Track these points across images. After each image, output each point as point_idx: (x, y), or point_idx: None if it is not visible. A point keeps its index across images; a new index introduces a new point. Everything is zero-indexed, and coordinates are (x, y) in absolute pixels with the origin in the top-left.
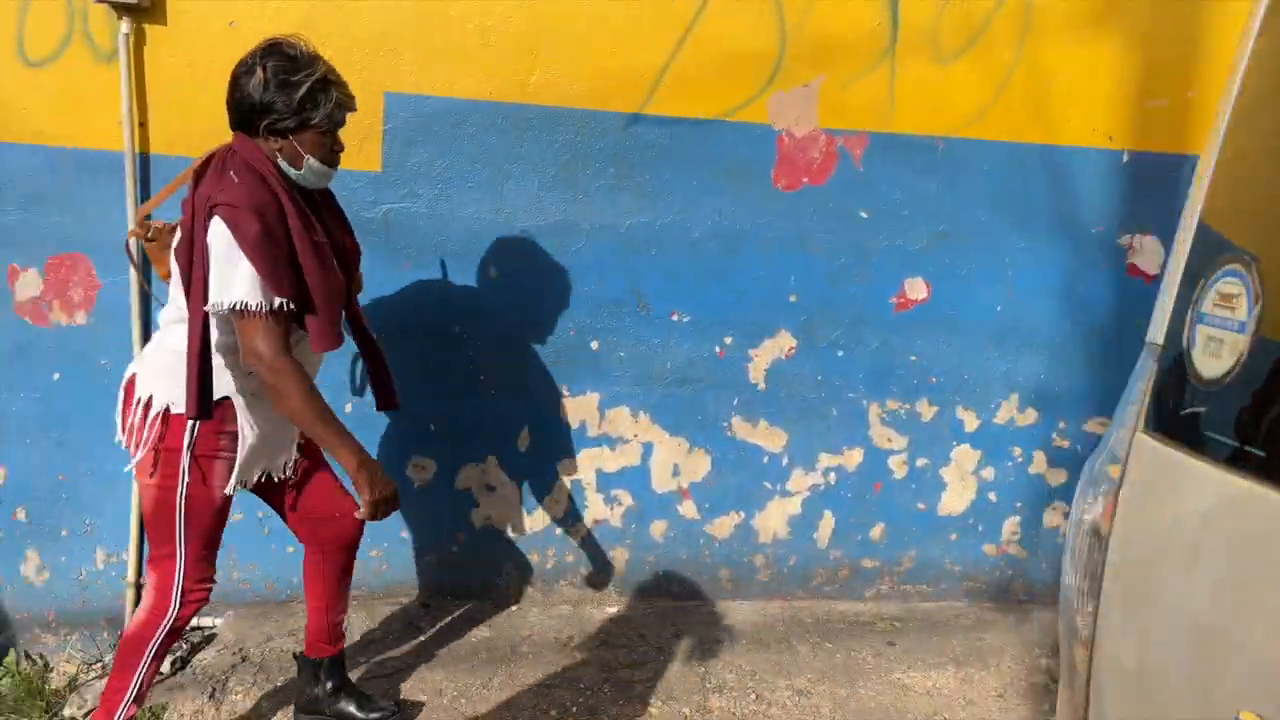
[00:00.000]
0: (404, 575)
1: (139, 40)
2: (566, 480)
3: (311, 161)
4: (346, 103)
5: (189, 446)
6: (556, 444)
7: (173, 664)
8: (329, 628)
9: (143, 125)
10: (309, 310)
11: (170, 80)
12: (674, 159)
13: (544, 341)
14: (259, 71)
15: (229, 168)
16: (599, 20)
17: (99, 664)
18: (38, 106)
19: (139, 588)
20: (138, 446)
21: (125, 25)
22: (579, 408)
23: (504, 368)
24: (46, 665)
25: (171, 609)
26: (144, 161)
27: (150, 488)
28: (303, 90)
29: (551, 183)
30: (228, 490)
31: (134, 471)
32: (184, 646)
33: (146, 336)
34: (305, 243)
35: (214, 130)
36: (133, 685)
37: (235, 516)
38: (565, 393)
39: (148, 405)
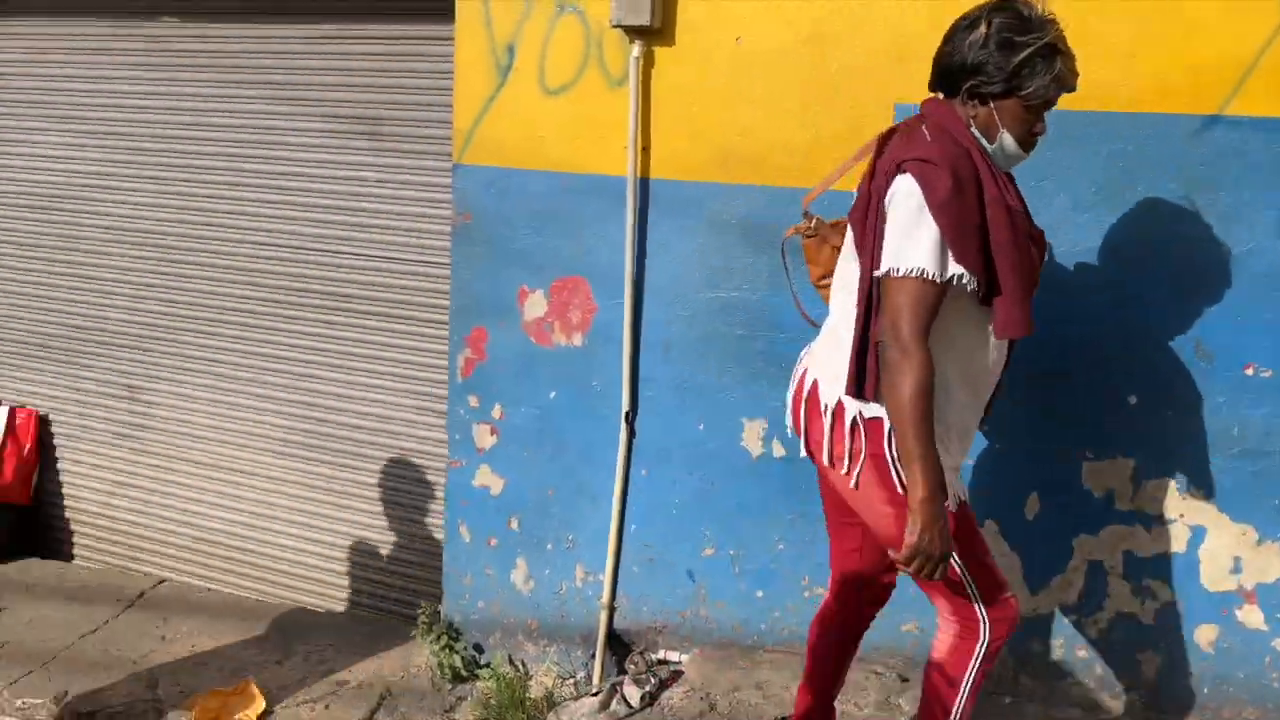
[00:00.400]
0: (881, 639)
1: (647, 63)
2: (1083, 560)
3: (1006, 138)
4: (1066, 79)
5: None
6: (1073, 514)
7: (641, 698)
8: (823, 703)
9: (645, 150)
10: (991, 290)
11: (675, 103)
12: (1262, 172)
13: (1065, 389)
14: (982, 26)
15: (920, 128)
16: (1165, 7)
17: (572, 680)
18: (553, 134)
19: (612, 610)
20: (840, 460)
21: (636, 48)
22: (1105, 474)
23: (1011, 420)
24: (526, 673)
25: (981, 638)
26: (644, 187)
27: (881, 511)
28: (1023, 54)
29: (1089, 200)
30: (956, 502)
31: (847, 494)
32: (652, 681)
33: (635, 361)
34: (1000, 211)
35: (716, 154)
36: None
37: (706, 551)
38: (1088, 455)
39: (838, 412)
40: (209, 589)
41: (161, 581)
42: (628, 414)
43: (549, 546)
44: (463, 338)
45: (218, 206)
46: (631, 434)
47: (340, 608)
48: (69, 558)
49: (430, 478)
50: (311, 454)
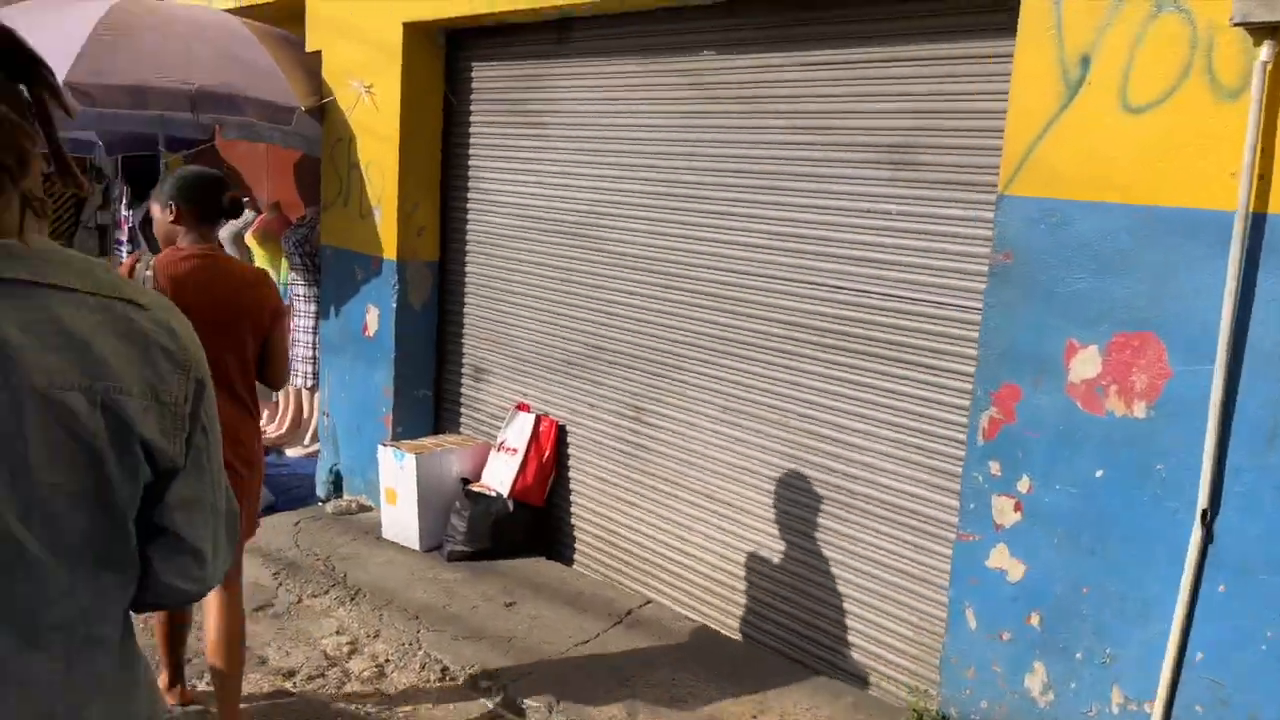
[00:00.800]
0: None
1: (1277, 70)
2: None
3: None
4: None
5: None
6: None
7: None
8: None
9: (1263, 178)
10: None
11: None
12: None
13: None
14: None
15: None
16: None
17: None
18: (1129, 158)
19: None
20: None
21: (1265, 51)
22: None
23: None
24: None
25: None
26: (1257, 224)
27: None
28: None
29: None
30: None
31: None
32: None
33: (1222, 445)
34: None
35: None
36: None
37: None
38: None
39: None
40: (689, 617)
41: (648, 602)
42: (1205, 512)
43: (1077, 655)
44: (989, 394)
45: (730, 237)
46: (1208, 537)
47: (815, 664)
48: (570, 561)
49: (932, 546)
50: (802, 497)
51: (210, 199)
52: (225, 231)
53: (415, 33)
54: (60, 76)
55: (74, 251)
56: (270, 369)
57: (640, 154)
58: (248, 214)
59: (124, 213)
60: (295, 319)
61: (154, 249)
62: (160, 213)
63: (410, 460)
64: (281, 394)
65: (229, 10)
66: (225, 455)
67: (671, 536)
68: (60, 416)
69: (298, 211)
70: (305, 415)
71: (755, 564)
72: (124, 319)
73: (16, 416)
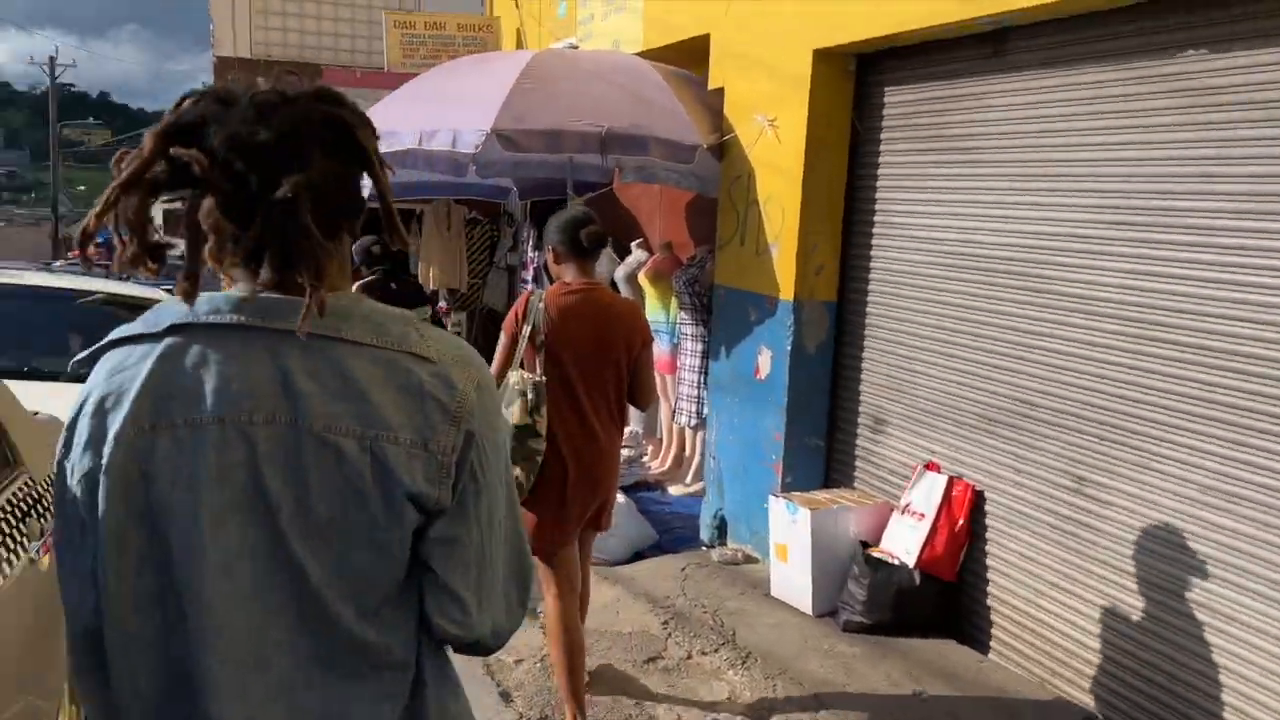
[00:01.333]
0: None
1: None
2: None
3: None
4: None
5: None
6: None
7: None
8: None
9: None
10: None
11: None
12: None
13: None
14: None
15: None
16: None
17: None
18: None
19: None
20: None
21: None
22: None
23: None
24: None
25: None
26: None
27: None
28: None
29: None
30: None
31: None
32: None
33: None
34: None
35: None
36: None
37: None
38: None
39: None
40: None
41: (1089, 718)
42: None
43: None
44: None
45: (1232, 277)
46: None
47: None
48: (985, 649)
49: None
50: None
51: (575, 237)
52: (621, 271)
53: (825, 60)
54: (488, 125)
55: (376, 305)
56: (639, 391)
57: (1102, 177)
58: (640, 254)
59: (530, 254)
60: (682, 357)
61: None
62: (548, 254)
63: (804, 515)
64: (665, 431)
65: (637, 54)
66: (591, 456)
67: (1123, 638)
68: (333, 457)
69: (688, 251)
70: (687, 454)
71: (1248, 687)
72: (404, 372)
73: (299, 453)
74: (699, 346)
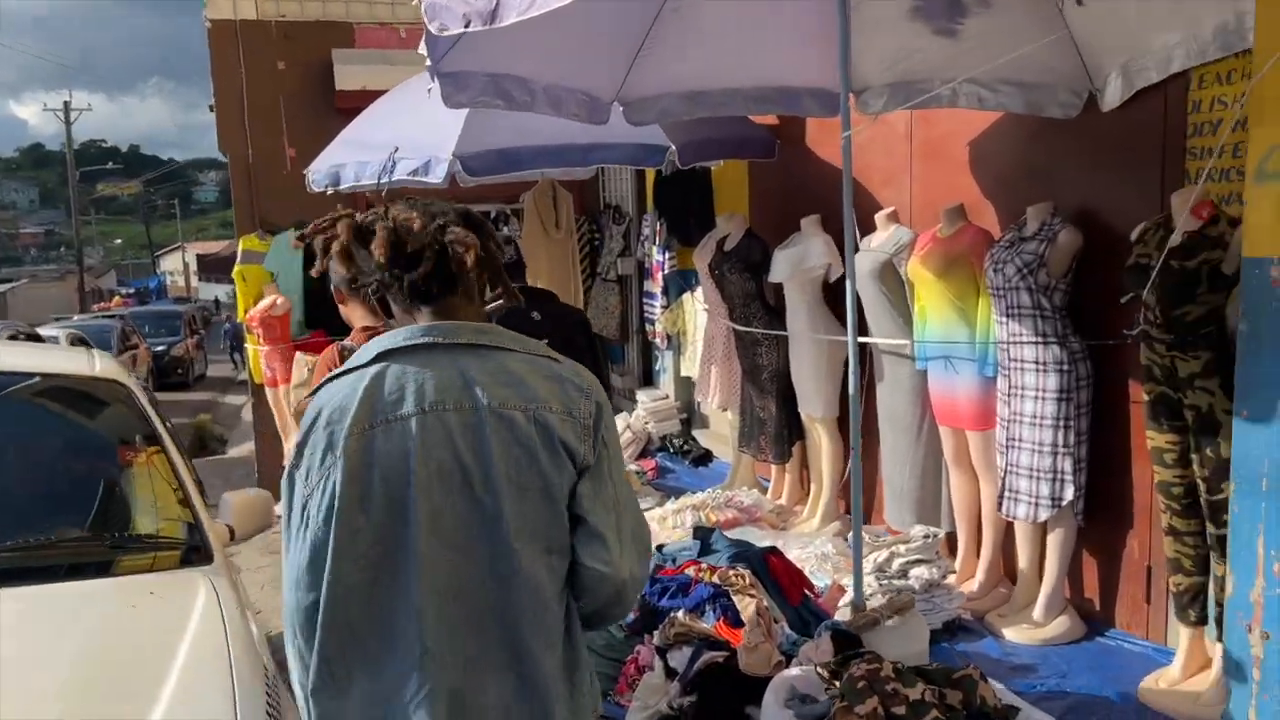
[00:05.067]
0: None
1: None
2: None
3: None
4: None
5: None
6: None
7: None
8: None
9: None
10: None
11: None
12: None
13: None
14: None
15: None
16: None
17: None
18: None
19: None
20: None
21: None
22: None
23: None
24: None
25: None
26: None
27: None
28: None
29: None
30: None
31: None
32: None
33: None
34: None
35: None
36: None
37: None
38: None
39: None
40: None
41: None
42: None
43: None
44: None
45: None
46: None
47: None
48: None
49: None
50: None
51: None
52: (866, 262)
53: None
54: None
55: (509, 331)
56: None
57: None
58: (899, 229)
59: (657, 255)
60: (1015, 400)
61: None
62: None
63: None
64: (964, 524)
65: None
66: None
67: None
68: (507, 427)
69: (986, 219)
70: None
71: None
72: (546, 365)
73: (482, 428)
74: (1053, 381)
